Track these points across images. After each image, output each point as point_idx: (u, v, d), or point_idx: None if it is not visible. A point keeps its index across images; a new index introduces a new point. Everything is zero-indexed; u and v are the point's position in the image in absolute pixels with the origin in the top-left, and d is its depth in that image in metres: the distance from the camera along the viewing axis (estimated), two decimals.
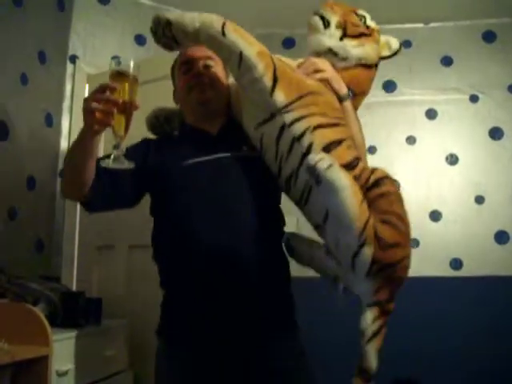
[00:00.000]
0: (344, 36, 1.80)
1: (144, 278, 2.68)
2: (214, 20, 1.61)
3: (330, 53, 1.80)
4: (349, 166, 1.60)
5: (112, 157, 1.44)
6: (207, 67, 1.86)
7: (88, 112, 1.41)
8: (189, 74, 1.86)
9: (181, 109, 1.95)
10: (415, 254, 3.39)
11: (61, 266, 3.01)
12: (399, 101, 3.75)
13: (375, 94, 3.83)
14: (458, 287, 3.48)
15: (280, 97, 1.63)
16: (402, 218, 1.60)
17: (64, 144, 3.13)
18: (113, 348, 2.41)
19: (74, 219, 3.06)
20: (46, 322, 1.88)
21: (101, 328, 2.41)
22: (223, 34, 1.59)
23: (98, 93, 1.40)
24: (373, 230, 1.52)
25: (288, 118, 1.63)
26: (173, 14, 1.64)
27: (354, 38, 1.80)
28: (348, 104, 1.77)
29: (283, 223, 1.84)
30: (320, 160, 1.52)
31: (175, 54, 3.00)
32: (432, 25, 3.81)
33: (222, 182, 1.72)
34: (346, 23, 1.80)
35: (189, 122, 1.89)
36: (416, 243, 3.51)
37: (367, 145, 3.57)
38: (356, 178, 1.59)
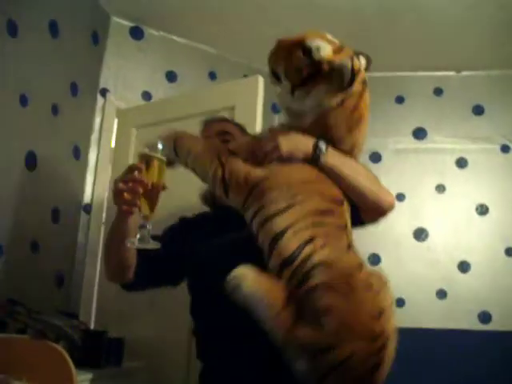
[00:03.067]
0: (293, 87, 1.58)
1: (166, 319, 2.61)
2: (168, 138, 1.62)
3: (289, 112, 1.67)
4: (287, 262, 1.44)
5: (138, 237, 1.45)
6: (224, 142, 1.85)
7: (116, 193, 1.45)
8: None
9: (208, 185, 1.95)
10: (442, 305, 3.40)
11: (79, 302, 2.94)
12: (429, 148, 3.69)
13: (404, 141, 3.86)
14: (486, 341, 3.36)
15: (235, 198, 1.58)
16: (333, 312, 1.35)
17: (90, 178, 3.10)
18: None
19: (95, 254, 2.99)
20: (70, 361, 1.79)
21: (121, 369, 2.32)
22: (176, 152, 1.62)
23: (127, 174, 1.44)
24: (296, 341, 1.36)
25: (248, 216, 1.56)
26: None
27: (301, 87, 1.57)
28: (325, 159, 1.58)
29: None
30: (229, 280, 1.41)
31: (205, 91, 3.01)
32: (464, 73, 3.77)
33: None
34: (290, 71, 1.58)
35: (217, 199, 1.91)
36: (443, 294, 3.44)
37: (395, 191, 3.56)
38: (293, 274, 1.42)
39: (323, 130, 1.61)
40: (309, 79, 1.55)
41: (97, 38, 3.16)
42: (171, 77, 3.45)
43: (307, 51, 1.54)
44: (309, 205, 1.51)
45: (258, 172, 1.57)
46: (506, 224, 3.54)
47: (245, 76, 3.55)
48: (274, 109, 3.83)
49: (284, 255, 1.43)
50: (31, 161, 2.52)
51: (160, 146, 1.49)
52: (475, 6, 3.06)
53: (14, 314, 2.18)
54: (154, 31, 3.44)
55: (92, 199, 3.08)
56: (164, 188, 1.47)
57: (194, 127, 2.71)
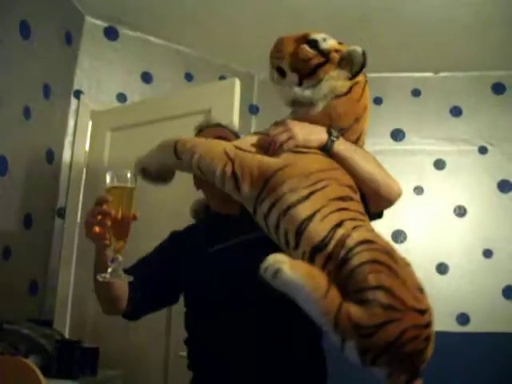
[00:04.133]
0: (301, 78, 1.63)
1: (142, 327, 2.56)
2: (166, 145, 1.61)
3: (296, 104, 1.67)
4: (319, 247, 1.42)
5: (109, 270, 1.42)
6: None
7: (87, 227, 1.44)
8: None
9: (203, 193, 1.90)
10: None
11: (54, 309, 2.87)
12: (407, 150, 3.69)
13: (383, 142, 3.83)
14: (464, 343, 3.36)
15: (247, 190, 1.53)
16: (383, 287, 1.33)
17: (64, 182, 3.03)
18: None
19: (70, 260, 2.93)
20: (41, 376, 1.73)
21: (97, 379, 2.26)
22: (177, 156, 1.58)
23: (95, 206, 1.42)
24: (348, 320, 1.30)
25: (264, 208, 1.52)
26: (140, 159, 1.65)
27: (311, 77, 1.62)
28: (338, 147, 1.59)
29: None
30: (267, 267, 1.35)
31: (181, 93, 2.96)
32: (442, 74, 3.77)
33: (246, 266, 1.59)
34: (296, 63, 1.63)
35: (212, 208, 1.87)
36: None
37: None
38: (328, 258, 1.40)
39: (332, 119, 1.63)
40: (317, 68, 1.60)
41: (70, 39, 3.09)
42: (147, 78, 3.39)
43: (313, 43, 1.62)
44: (330, 191, 1.50)
45: (272, 162, 1.55)
46: (483, 225, 3.54)
47: (221, 77, 3.51)
48: (251, 111, 3.80)
49: (314, 241, 1.41)
50: (2, 165, 2.45)
51: (129, 175, 1.46)
52: (452, 7, 3.05)
53: None
54: (129, 31, 3.38)
55: (66, 203, 3.02)
56: (135, 218, 1.43)
57: (169, 130, 2.69)
